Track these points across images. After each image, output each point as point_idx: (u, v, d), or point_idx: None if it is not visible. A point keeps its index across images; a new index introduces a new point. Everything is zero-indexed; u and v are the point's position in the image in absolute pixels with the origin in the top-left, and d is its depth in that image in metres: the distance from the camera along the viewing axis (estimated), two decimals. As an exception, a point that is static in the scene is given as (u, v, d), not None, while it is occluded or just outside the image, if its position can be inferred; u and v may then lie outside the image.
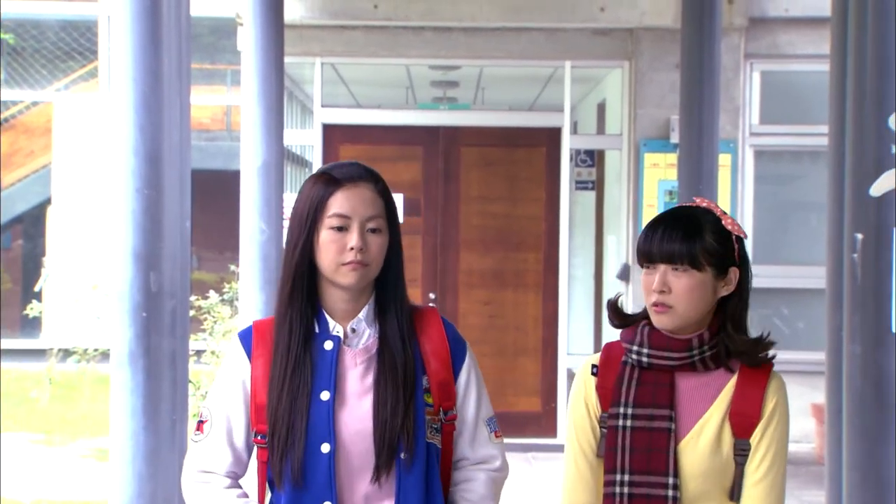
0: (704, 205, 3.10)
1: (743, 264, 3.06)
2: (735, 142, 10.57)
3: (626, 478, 3.01)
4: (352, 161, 3.04)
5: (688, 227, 3.00)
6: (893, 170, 5.02)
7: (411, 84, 12.54)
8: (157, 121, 5.15)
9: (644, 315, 3.11)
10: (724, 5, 9.70)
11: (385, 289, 2.99)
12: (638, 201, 10.49)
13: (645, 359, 3.04)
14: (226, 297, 11.20)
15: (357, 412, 2.91)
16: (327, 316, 2.97)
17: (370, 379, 2.93)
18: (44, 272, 14.77)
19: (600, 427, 3.09)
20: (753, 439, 2.99)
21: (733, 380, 3.03)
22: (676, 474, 2.99)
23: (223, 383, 3.00)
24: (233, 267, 10.80)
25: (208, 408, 3.00)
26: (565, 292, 10.85)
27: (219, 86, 16.75)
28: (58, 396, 12.90)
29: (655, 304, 3.01)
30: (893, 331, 4.92)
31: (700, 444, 2.99)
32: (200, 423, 3.00)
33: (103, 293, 12.07)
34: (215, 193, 14.88)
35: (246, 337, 3.02)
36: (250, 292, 8.88)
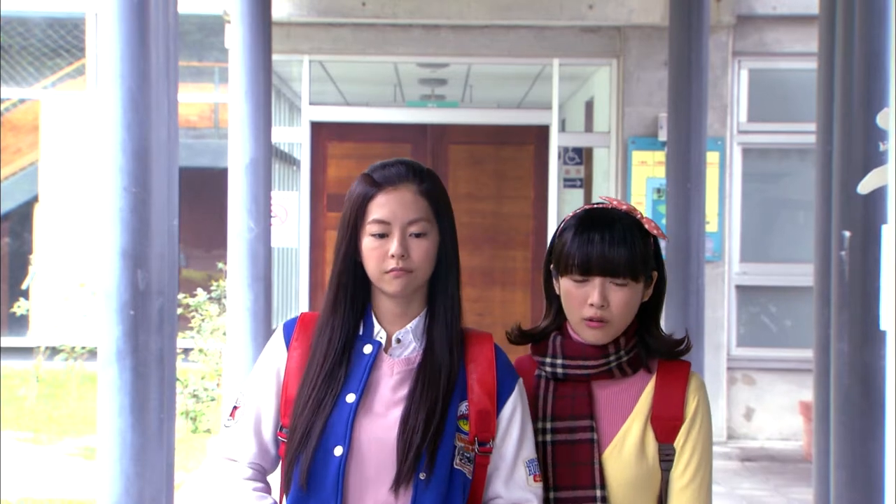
0: (623, 208, 2.96)
1: (661, 266, 2.98)
2: (723, 139, 10.58)
3: (553, 495, 2.89)
4: (399, 159, 2.93)
5: (625, 236, 2.88)
6: (881, 167, 5.01)
7: (399, 82, 12.54)
8: (145, 118, 5.13)
9: (555, 327, 3.00)
10: (712, 3, 9.71)
11: (437, 303, 2.87)
12: (626, 199, 10.49)
13: (560, 370, 2.94)
14: (213, 295, 11.20)
15: (381, 420, 2.78)
16: (374, 319, 2.86)
17: (404, 391, 2.80)
18: (31, 270, 14.74)
19: None
20: (677, 443, 2.91)
21: (651, 383, 2.94)
22: (603, 486, 2.88)
23: (259, 370, 2.91)
24: (221, 265, 10.81)
25: (243, 393, 2.91)
26: (553, 290, 10.83)
27: (206, 83, 16.73)
28: (45, 395, 12.88)
29: (591, 319, 2.88)
30: (881, 328, 4.92)
31: (624, 452, 2.90)
32: (234, 408, 2.91)
33: (90, 291, 12.07)
34: (203, 191, 14.87)
35: (289, 327, 2.92)
36: (238, 290, 8.86)
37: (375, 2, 10.54)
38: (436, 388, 2.79)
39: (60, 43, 16.31)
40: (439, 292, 2.87)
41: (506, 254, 11.07)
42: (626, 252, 2.85)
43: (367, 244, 2.80)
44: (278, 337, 2.91)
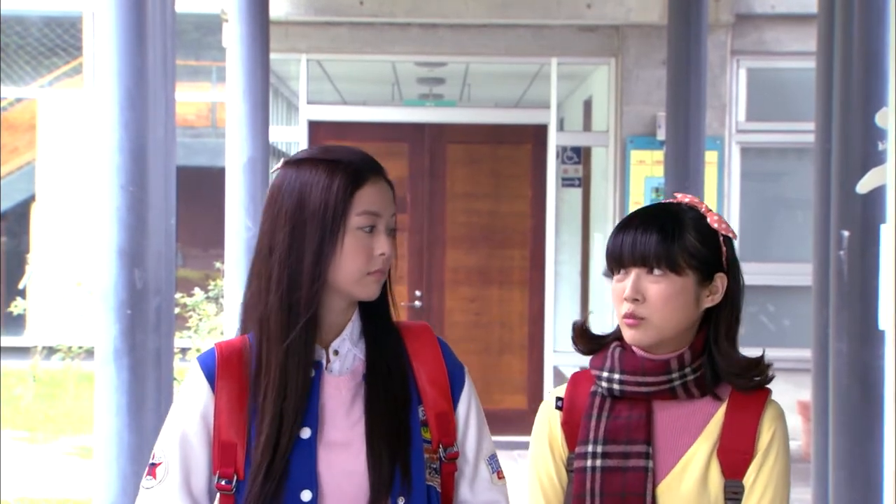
0: (686, 200, 2.65)
1: (732, 269, 2.62)
2: (721, 139, 10.57)
3: None
4: (352, 147, 2.54)
5: (665, 225, 2.56)
6: (880, 167, 5.01)
7: (397, 81, 12.52)
8: (142, 117, 5.12)
9: (617, 335, 2.66)
10: (711, 2, 9.70)
11: (374, 300, 2.50)
12: (624, 198, 10.48)
13: (616, 386, 2.59)
14: (211, 294, 11.18)
15: (343, 451, 2.43)
16: None
17: (358, 411, 2.45)
18: (28, 269, 14.72)
19: (567, 471, 2.64)
20: (747, 480, 2.55)
21: (722, 409, 2.58)
22: None
23: (180, 418, 2.48)
24: (218, 264, 10.79)
25: (161, 448, 2.49)
26: (551, 289, 10.84)
27: (204, 82, 16.71)
28: (42, 394, 12.87)
29: (627, 316, 2.57)
30: (880, 328, 4.91)
31: (683, 485, 2.55)
32: (153, 466, 2.49)
33: (88, 290, 12.05)
34: (200, 190, 14.84)
35: (208, 364, 2.48)
36: (235, 290, 8.85)
37: (373, 0, 10.53)
38: (392, 398, 2.46)
39: (57, 42, 16.29)
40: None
41: (503, 253, 11.05)
42: (661, 240, 2.54)
43: (353, 241, 2.41)
44: (197, 377, 2.48)
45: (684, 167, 8.24)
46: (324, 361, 2.47)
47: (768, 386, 2.64)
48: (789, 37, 10.65)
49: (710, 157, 9.93)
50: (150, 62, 5.16)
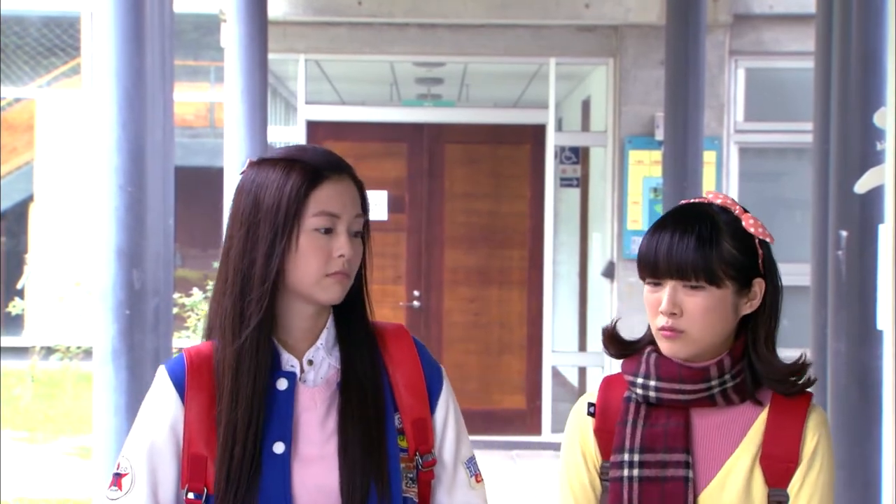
0: (719, 201, 2.53)
1: (769, 273, 2.55)
2: (720, 139, 10.57)
3: None
4: (318, 146, 2.47)
5: (702, 233, 2.44)
6: (878, 167, 5.01)
7: (395, 81, 12.52)
8: (141, 118, 5.12)
9: (650, 339, 2.56)
10: (709, 2, 9.70)
11: (347, 305, 2.43)
12: (623, 198, 10.49)
13: (653, 393, 2.49)
14: (209, 294, 11.17)
15: (319, 465, 2.35)
16: (279, 346, 2.39)
17: (332, 423, 2.37)
18: (26, 270, 14.71)
19: (601, 480, 2.55)
20: (792, 488, 2.45)
21: (763, 415, 2.49)
22: None
23: (147, 428, 2.37)
24: (216, 264, 10.78)
25: (127, 458, 2.37)
26: (550, 289, 10.84)
27: (202, 82, 16.70)
28: (40, 394, 12.86)
29: (664, 329, 2.46)
30: (878, 328, 4.92)
31: (725, 495, 2.46)
32: (118, 477, 2.37)
33: (86, 291, 12.04)
34: (199, 190, 14.84)
35: (176, 371, 2.38)
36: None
37: (372, 1, 10.53)
38: (366, 409, 2.37)
39: (56, 42, 16.28)
40: (352, 298, 2.44)
41: (502, 253, 11.04)
42: (698, 249, 2.42)
43: (307, 242, 2.33)
44: (164, 385, 2.38)
45: (682, 167, 8.24)
46: (297, 373, 2.39)
47: (810, 389, 2.57)
48: (787, 37, 10.65)
49: (709, 157, 9.94)
50: (149, 62, 5.16)
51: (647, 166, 10.49)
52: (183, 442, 2.35)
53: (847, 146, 5.37)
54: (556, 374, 11.71)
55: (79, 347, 12.23)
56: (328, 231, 2.34)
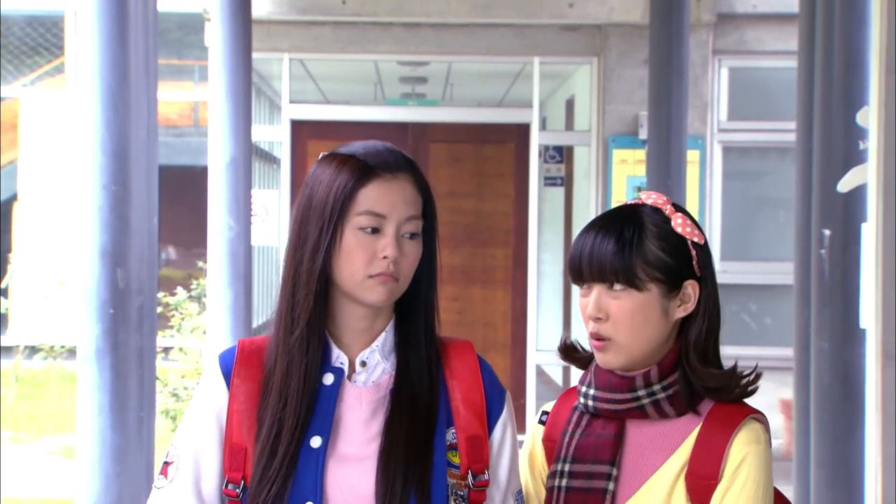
0: (650, 201, 2.42)
1: (705, 276, 2.40)
2: (703, 138, 10.59)
3: None
4: (385, 144, 2.37)
5: (624, 234, 2.34)
6: (861, 166, 5.02)
7: (380, 80, 12.52)
8: (124, 117, 5.11)
9: None
10: (693, 2, 9.72)
11: (411, 311, 2.37)
12: (607, 197, 10.50)
13: (591, 402, 2.41)
14: (193, 293, 11.17)
15: (355, 467, 2.27)
16: (331, 341, 2.33)
17: (377, 426, 2.29)
18: (10, 269, 14.69)
19: (546, 489, 2.46)
20: None
21: (697, 429, 2.35)
22: None
23: (194, 416, 2.34)
24: (200, 263, 10.77)
25: (175, 446, 2.34)
26: (534, 288, 10.85)
27: (186, 82, 16.69)
28: (24, 394, 12.84)
29: (591, 336, 2.38)
30: (861, 326, 4.93)
31: None
32: (165, 465, 2.34)
33: (70, 290, 12.03)
34: (183, 190, 14.83)
35: (227, 360, 2.36)
36: (218, 289, 8.84)
37: (356, 0, 10.53)
38: (416, 417, 2.29)
39: (39, 41, 16.26)
40: (416, 305, 2.38)
41: (486, 252, 11.06)
42: (617, 251, 2.33)
43: (352, 240, 2.27)
44: (214, 374, 2.35)
45: (666, 166, 8.25)
46: (346, 370, 2.33)
47: (748, 401, 2.42)
48: (771, 36, 10.67)
49: (692, 156, 9.95)
50: (133, 61, 5.15)
51: (630, 165, 10.51)
52: (226, 430, 2.31)
53: (830, 145, 5.38)
54: (541, 372, 11.72)
55: (63, 347, 12.23)
56: (375, 231, 2.28)
